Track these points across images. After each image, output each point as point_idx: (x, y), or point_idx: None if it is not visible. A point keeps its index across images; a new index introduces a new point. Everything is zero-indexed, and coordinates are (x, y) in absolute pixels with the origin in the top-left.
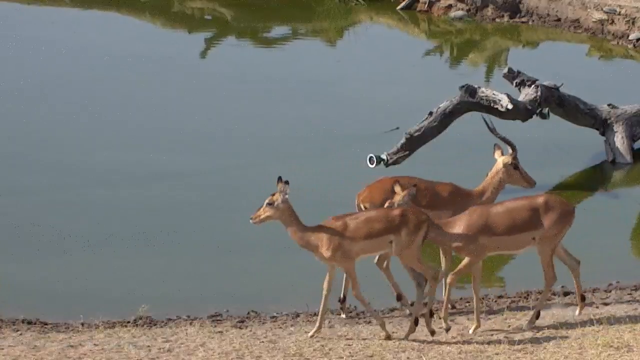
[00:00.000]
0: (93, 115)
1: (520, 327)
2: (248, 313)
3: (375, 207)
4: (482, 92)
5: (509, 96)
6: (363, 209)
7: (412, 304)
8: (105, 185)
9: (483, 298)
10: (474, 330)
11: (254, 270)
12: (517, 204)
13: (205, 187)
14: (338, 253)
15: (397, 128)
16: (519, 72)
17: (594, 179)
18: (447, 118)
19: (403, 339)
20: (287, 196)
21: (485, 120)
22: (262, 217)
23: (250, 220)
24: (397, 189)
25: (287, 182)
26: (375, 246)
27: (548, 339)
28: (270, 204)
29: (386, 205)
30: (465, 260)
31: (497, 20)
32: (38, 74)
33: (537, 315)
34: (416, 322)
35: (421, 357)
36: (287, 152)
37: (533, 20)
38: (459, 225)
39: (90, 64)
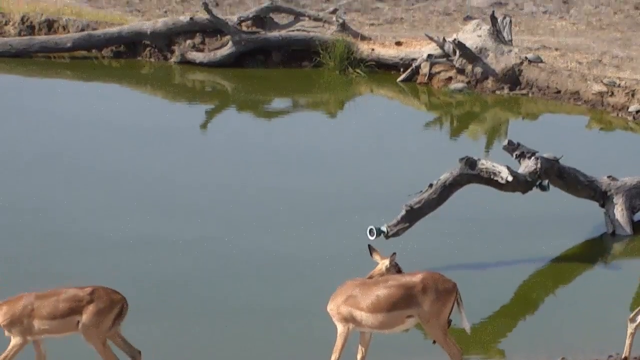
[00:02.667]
0: (91, 184)
1: None
2: None
3: None
4: (482, 164)
5: (509, 168)
6: None
7: None
8: (98, 252)
9: None
10: None
11: (250, 336)
12: (393, 282)
13: (200, 255)
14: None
15: (421, 191)
16: (519, 144)
17: (594, 250)
18: (447, 190)
19: None
20: None
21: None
22: None
23: None
24: (376, 257)
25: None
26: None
27: None
28: None
29: (367, 276)
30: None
31: (497, 92)
32: (37, 144)
33: None
34: None
35: None
36: (287, 222)
37: (533, 93)
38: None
39: (90, 134)
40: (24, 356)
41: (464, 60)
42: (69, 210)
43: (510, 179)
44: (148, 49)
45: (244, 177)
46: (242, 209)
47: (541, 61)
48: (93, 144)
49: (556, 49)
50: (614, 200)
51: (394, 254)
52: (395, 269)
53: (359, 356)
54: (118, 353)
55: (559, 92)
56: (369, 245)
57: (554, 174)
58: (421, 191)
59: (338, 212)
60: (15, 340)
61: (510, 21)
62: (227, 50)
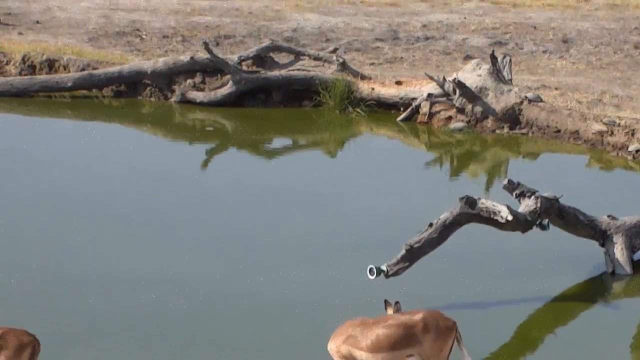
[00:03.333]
0: (91, 223)
1: None
2: None
3: None
4: (482, 203)
5: (509, 207)
6: None
7: None
8: (99, 292)
9: None
10: None
11: None
12: (393, 322)
13: (197, 294)
14: None
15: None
16: (518, 184)
17: (594, 290)
18: (446, 229)
19: None
20: None
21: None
22: None
23: None
24: (390, 311)
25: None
26: None
27: None
28: None
29: None
30: None
31: (497, 131)
32: (37, 184)
33: None
34: None
35: None
36: (286, 261)
37: (533, 132)
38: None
39: (90, 173)
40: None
41: (464, 100)
42: (67, 248)
43: (510, 218)
44: (148, 88)
45: (244, 216)
46: (242, 248)
47: (541, 100)
48: (93, 183)
49: (556, 88)
50: (614, 239)
51: (397, 302)
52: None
53: None
54: None
55: (558, 131)
56: (385, 301)
57: (554, 213)
58: (421, 230)
59: (338, 251)
60: None
61: (510, 60)
62: (227, 89)
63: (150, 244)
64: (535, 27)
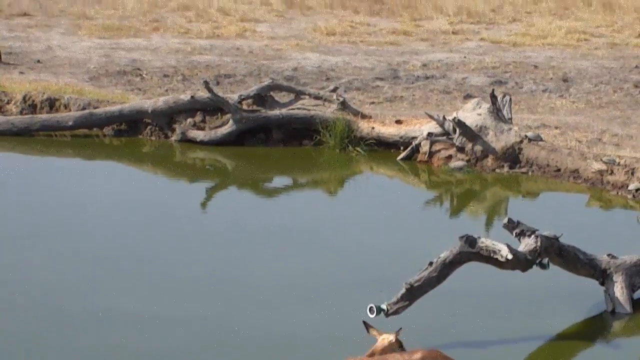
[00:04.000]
0: (89, 262)
1: None
2: None
3: None
4: (482, 242)
5: (508, 246)
6: None
7: None
8: (97, 330)
9: None
10: None
11: None
12: None
13: (197, 332)
14: None
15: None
16: (518, 223)
17: (594, 329)
18: (447, 268)
19: None
20: None
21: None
22: None
23: None
24: (374, 332)
25: None
26: None
27: None
28: None
29: (367, 353)
30: None
31: (497, 170)
32: (36, 221)
33: None
34: None
35: None
36: (285, 299)
37: (533, 171)
38: None
39: (90, 212)
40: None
41: (464, 139)
42: (66, 286)
43: (510, 257)
44: (149, 127)
45: (243, 254)
46: (241, 286)
47: (541, 139)
48: (92, 221)
49: (556, 127)
50: (614, 278)
51: (400, 329)
52: (397, 344)
53: None
54: None
55: (558, 170)
56: (364, 322)
57: (554, 252)
58: (421, 269)
59: (337, 290)
60: None
61: (510, 99)
62: (227, 128)
63: (150, 282)
64: (535, 66)
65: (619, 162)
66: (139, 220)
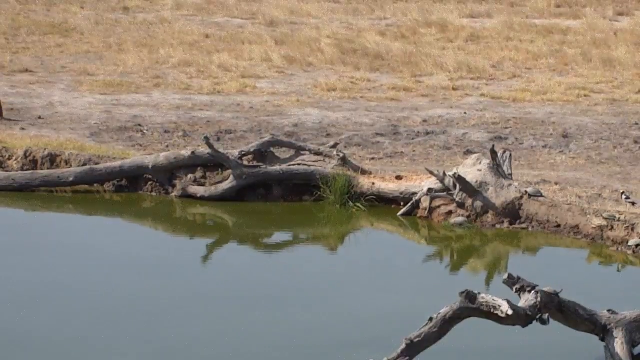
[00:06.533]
0: (89, 318)
1: None
2: None
3: None
4: (482, 297)
5: (509, 302)
6: None
7: None
8: None
9: None
10: None
11: None
12: None
13: None
14: None
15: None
16: (518, 278)
17: None
18: (447, 324)
19: None
20: None
21: None
22: None
23: None
24: None
25: None
26: None
27: None
28: None
29: None
30: None
31: (497, 225)
32: (35, 277)
33: None
34: None
35: None
36: (285, 357)
37: (533, 226)
38: None
39: (90, 268)
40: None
41: (464, 194)
42: (64, 342)
43: (510, 312)
44: (149, 182)
45: (243, 311)
46: (240, 344)
47: (541, 195)
48: (93, 277)
49: (556, 183)
50: (614, 333)
51: None
52: None
53: None
54: None
55: (558, 225)
56: None
57: (554, 307)
58: (421, 325)
59: (338, 347)
60: None
61: (510, 155)
62: (228, 184)
63: (148, 339)
64: (535, 122)
65: (618, 218)
66: (138, 276)
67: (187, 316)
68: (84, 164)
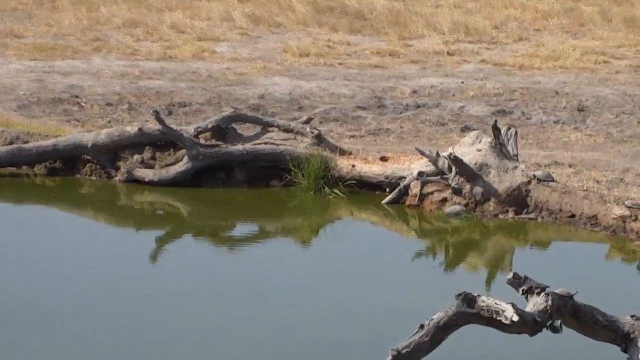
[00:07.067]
0: (17, 324)
1: None
2: None
3: None
4: (483, 301)
5: (514, 306)
6: None
7: None
8: None
9: None
10: None
11: None
12: None
13: None
14: None
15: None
16: (526, 278)
17: None
18: (441, 332)
19: None
20: None
21: None
22: None
23: None
24: None
25: None
26: None
27: None
28: None
29: None
30: None
31: (501, 216)
32: None
33: None
34: None
35: None
36: None
37: (543, 217)
38: None
39: (18, 266)
40: None
41: (462, 179)
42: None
43: (516, 319)
44: (89, 165)
45: (201, 316)
46: (197, 354)
47: (553, 180)
48: (20, 278)
49: (570, 166)
50: (639, 344)
51: None
52: None
53: None
54: None
55: (573, 216)
56: None
57: (568, 313)
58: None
59: (316, 357)
60: None
61: (516, 133)
62: (182, 167)
63: (89, 348)
64: (545, 94)
65: None
66: (76, 275)
67: (133, 321)
68: (11, 143)
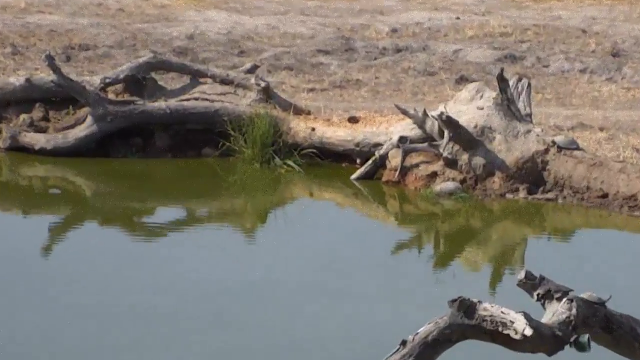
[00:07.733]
0: None
1: None
2: None
3: None
4: (485, 309)
5: (526, 316)
6: None
7: None
8: None
9: None
10: None
11: None
12: None
13: None
14: None
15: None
16: (542, 279)
17: None
18: (429, 350)
19: None
20: None
21: None
22: None
23: None
24: None
25: None
26: None
27: None
28: None
29: None
30: None
31: (509, 196)
32: None
33: None
34: None
35: None
36: None
37: (565, 197)
38: None
39: None
40: None
41: (457, 147)
42: None
43: (529, 332)
44: None
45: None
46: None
47: (578, 148)
48: None
49: (601, 129)
50: None
51: None
52: None
53: None
54: None
55: (605, 195)
56: None
57: (598, 325)
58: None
59: None
60: None
61: (529, 85)
62: (84, 130)
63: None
64: (568, 33)
65: None
66: None
67: (14, 331)
68: None
